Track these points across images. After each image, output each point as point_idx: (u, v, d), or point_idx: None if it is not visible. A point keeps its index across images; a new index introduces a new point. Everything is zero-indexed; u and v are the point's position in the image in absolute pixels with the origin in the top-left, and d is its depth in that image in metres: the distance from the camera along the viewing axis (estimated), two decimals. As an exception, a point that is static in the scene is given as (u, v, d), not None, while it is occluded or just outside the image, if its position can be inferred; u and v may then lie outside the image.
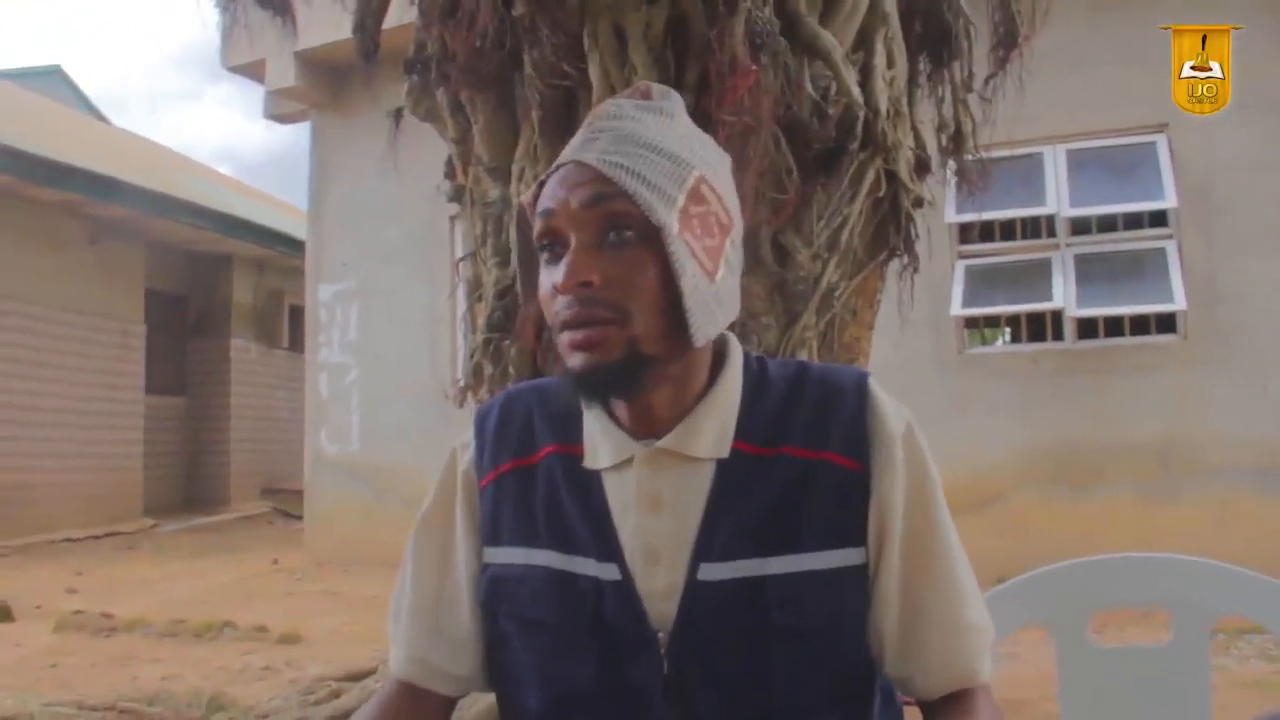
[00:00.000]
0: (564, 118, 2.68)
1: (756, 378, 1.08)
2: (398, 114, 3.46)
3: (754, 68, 2.21)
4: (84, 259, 11.46)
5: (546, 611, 1.04)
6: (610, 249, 0.97)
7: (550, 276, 0.98)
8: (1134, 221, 6.22)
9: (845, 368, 1.12)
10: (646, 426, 1.03)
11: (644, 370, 0.97)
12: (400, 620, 1.13)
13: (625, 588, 1.01)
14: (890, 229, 2.90)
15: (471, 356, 3.03)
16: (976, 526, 5.56)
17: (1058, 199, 6.13)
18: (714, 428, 1.03)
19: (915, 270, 2.94)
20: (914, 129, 3.10)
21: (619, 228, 0.96)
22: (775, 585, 0.98)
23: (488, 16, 2.65)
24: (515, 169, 2.85)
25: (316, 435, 8.80)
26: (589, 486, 1.05)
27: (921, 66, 3.00)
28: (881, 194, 2.81)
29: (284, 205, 15.15)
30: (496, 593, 1.07)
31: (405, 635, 1.12)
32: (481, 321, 3.03)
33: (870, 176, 2.75)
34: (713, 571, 0.99)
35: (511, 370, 2.97)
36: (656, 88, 1.08)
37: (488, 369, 3.01)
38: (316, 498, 8.80)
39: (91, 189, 10.76)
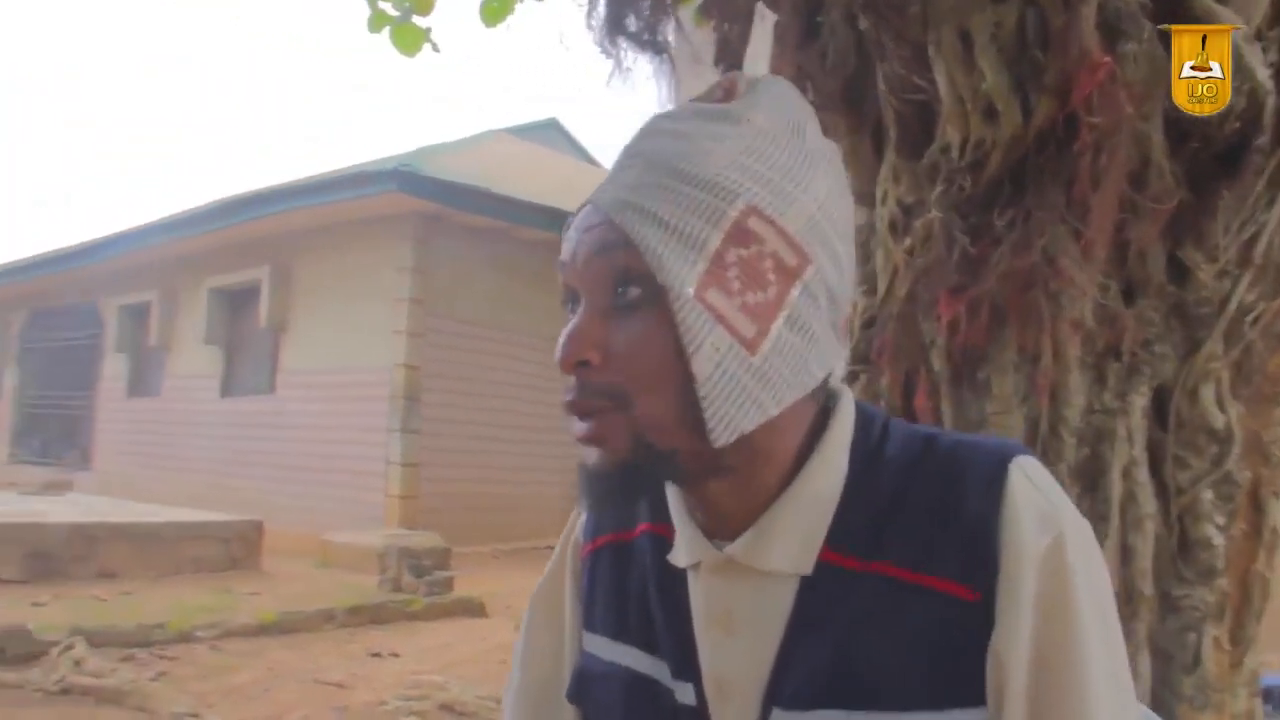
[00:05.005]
0: (921, 134, 2.49)
1: (869, 457, 0.83)
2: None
3: (1105, 59, 1.91)
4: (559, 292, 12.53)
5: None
6: (621, 314, 0.78)
7: None
8: None
9: (987, 445, 0.83)
10: (718, 522, 0.83)
11: (660, 469, 0.79)
12: (510, 696, 1.04)
13: (699, 718, 0.84)
14: (1330, 236, 2.40)
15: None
16: None
17: None
18: (796, 533, 0.81)
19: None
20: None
21: (627, 285, 0.78)
22: None
23: (840, 37, 2.54)
24: (879, 192, 2.69)
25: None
26: (675, 582, 0.88)
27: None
28: (1315, 195, 2.33)
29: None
30: (581, 690, 0.95)
31: (511, 714, 1.03)
32: (847, 351, 2.90)
33: (1295, 175, 2.29)
34: None
35: (883, 405, 2.80)
36: (746, 79, 0.85)
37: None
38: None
39: (572, 227, 11.76)
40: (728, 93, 0.84)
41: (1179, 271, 2.33)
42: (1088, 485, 2.34)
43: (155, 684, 4.98)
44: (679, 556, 0.86)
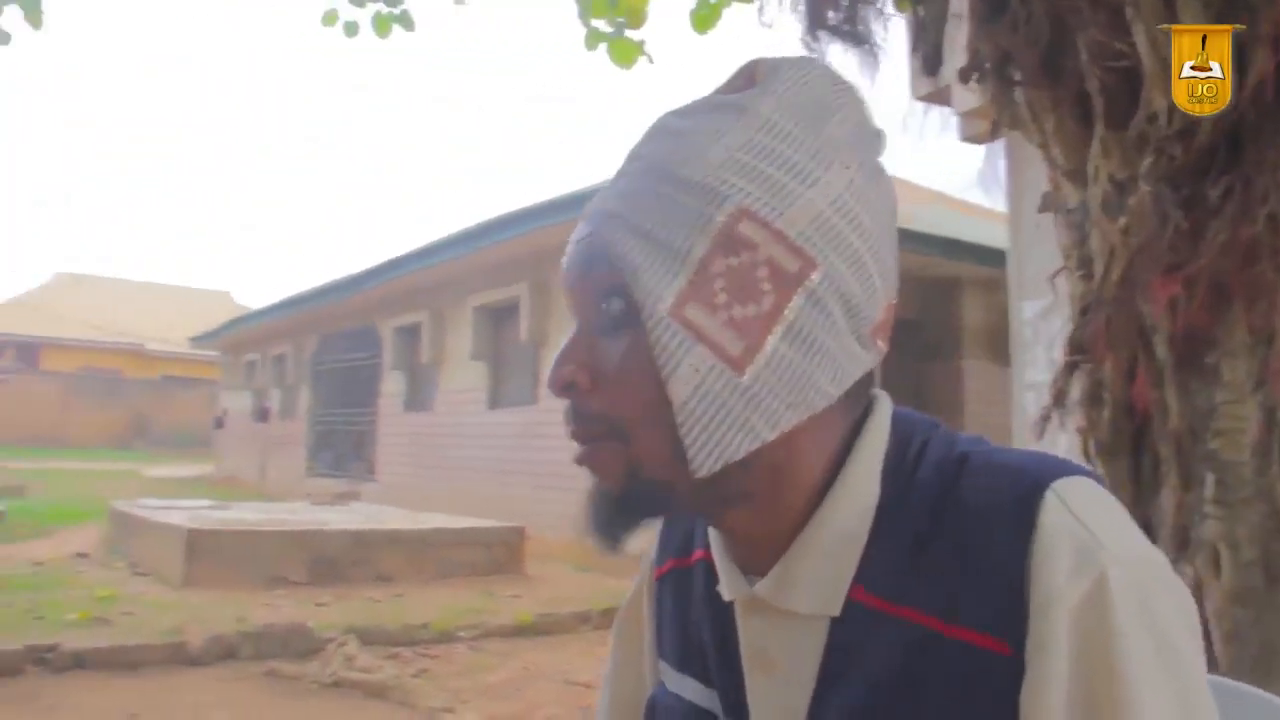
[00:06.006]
0: (1129, 103, 2.32)
1: (903, 481, 0.74)
2: (994, 124, 3.26)
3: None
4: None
5: None
6: (608, 334, 0.73)
7: None
8: None
9: (1023, 467, 0.71)
10: (747, 553, 0.77)
11: (658, 501, 0.74)
12: (599, 716, 1.03)
13: None
14: None
15: (1055, 381, 2.74)
16: None
17: None
18: (822, 570, 0.73)
19: None
20: None
21: (610, 302, 0.73)
22: None
23: (1033, 7, 2.40)
24: (1090, 170, 2.53)
25: (1019, 457, 8.49)
26: (724, 615, 0.81)
27: None
28: None
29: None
30: (651, 719, 0.91)
31: None
32: (1064, 340, 2.72)
33: None
34: None
35: (1106, 396, 2.62)
36: (770, 63, 0.76)
37: (1074, 393, 2.69)
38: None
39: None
40: (748, 79, 0.76)
41: None
42: (1336, 479, 2.11)
43: (416, 680, 5.29)
44: (723, 589, 0.81)
